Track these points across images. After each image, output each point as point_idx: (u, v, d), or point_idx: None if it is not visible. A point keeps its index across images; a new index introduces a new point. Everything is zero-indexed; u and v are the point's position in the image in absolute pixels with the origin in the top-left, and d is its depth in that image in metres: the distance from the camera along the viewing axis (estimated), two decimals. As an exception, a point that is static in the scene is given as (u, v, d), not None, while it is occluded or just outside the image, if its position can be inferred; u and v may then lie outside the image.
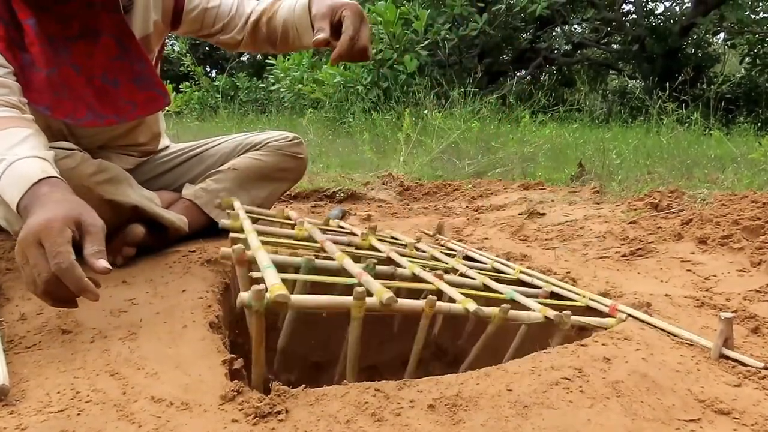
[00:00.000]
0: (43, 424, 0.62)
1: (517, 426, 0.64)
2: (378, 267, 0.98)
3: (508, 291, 1.01)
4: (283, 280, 0.76)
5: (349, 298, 0.74)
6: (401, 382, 0.72)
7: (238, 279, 0.87)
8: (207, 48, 10.56)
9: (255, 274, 0.81)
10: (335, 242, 1.15)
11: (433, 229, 1.63)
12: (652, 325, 0.93)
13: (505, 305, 0.85)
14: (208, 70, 10.39)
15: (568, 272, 1.23)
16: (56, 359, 0.78)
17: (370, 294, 0.79)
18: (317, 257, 1.01)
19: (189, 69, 7.28)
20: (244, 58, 11.03)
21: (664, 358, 0.80)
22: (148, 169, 1.58)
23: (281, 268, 0.91)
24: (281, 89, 6.17)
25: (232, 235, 1.01)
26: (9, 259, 1.24)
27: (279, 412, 0.65)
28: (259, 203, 1.56)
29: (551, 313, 0.89)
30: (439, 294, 0.93)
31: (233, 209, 1.21)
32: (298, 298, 0.73)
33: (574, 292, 1.09)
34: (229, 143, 1.64)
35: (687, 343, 0.86)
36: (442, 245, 1.51)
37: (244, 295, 0.68)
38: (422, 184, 2.57)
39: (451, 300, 0.89)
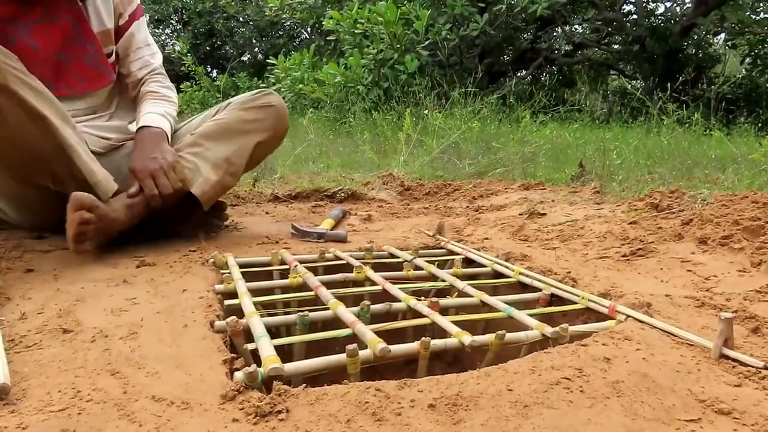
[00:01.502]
0: (44, 423, 0.62)
1: (518, 426, 0.64)
2: (373, 307, 1.00)
3: (505, 308, 1.01)
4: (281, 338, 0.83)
5: (344, 356, 0.77)
6: (401, 382, 0.72)
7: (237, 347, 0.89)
8: (208, 48, 10.57)
9: (250, 346, 0.84)
10: (330, 282, 1.16)
11: (434, 229, 1.63)
12: (652, 325, 0.93)
13: (500, 332, 0.86)
14: (209, 69, 10.39)
15: (569, 272, 1.23)
16: (57, 358, 0.78)
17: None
18: (314, 304, 1.04)
19: (190, 69, 7.28)
20: (244, 58, 11.04)
21: (665, 358, 0.80)
22: (120, 156, 1.56)
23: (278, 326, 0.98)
24: (282, 89, 6.17)
25: (226, 302, 1.03)
26: (9, 259, 1.25)
27: (279, 412, 0.65)
28: (226, 158, 1.47)
29: (549, 330, 0.89)
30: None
31: (227, 267, 1.22)
32: (293, 367, 0.75)
33: (574, 294, 1.09)
34: (196, 120, 1.63)
35: (687, 343, 0.86)
36: (442, 248, 1.51)
37: (239, 375, 0.72)
38: (423, 184, 2.57)
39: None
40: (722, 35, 7.78)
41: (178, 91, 7.27)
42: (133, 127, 1.58)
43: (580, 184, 2.46)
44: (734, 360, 0.80)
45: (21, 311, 0.94)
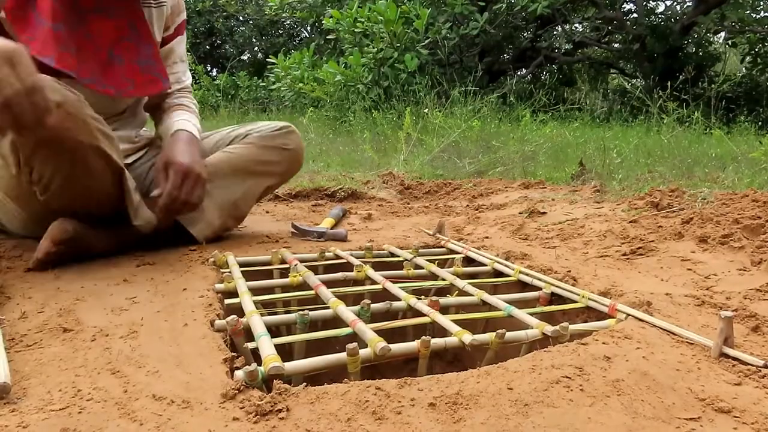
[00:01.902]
0: (44, 422, 0.62)
1: (518, 424, 0.64)
2: (373, 306, 0.99)
3: (506, 307, 1.01)
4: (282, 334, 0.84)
5: (344, 355, 0.77)
6: (402, 381, 0.72)
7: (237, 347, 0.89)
8: (207, 47, 10.57)
9: (250, 345, 0.84)
10: (330, 281, 1.16)
11: (434, 228, 1.63)
12: (652, 324, 0.93)
13: (500, 330, 0.86)
14: (209, 68, 10.39)
15: (569, 271, 1.23)
16: (57, 357, 0.78)
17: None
18: (314, 302, 1.04)
19: (190, 68, 7.29)
20: (244, 57, 11.03)
21: (665, 357, 0.80)
22: (137, 168, 1.52)
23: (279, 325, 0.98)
24: (282, 88, 6.17)
25: (227, 301, 1.03)
26: (9, 258, 1.25)
27: (280, 410, 0.65)
28: (234, 201, 1.45)
29: (549, 329, 0.89)
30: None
31: (227, 266, 1.21)
32: (293, 366, 0.75)
33: (574, 293, 1.09)
34: (210, 139, 1.56)
35: (687, 342, 0.86)
36: (442, 246, 1.51)
37: (239, 373, 0.72)
38: (423, 182, 2.57)
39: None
40: (722, 34, 7.77)
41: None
42: (142, 135, 1.55)
43: (580, 183, 2.46)
44: (734, 359, 0.80)
45: (21, 310, 0.94)
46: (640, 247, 1.41)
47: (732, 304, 1.03)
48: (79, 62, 1.22)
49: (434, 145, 3.42)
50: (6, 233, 1.44)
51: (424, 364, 0.84)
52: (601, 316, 1.01)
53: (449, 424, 0.64)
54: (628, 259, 1.37)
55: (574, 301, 1.08)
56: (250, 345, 0.84)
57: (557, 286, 1.14)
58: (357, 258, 1.33)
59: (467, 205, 2.15)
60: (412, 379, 0.72)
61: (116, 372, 0.74)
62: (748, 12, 6.92)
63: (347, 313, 0.94)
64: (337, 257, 1.35)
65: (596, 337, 0.87)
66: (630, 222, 1.65)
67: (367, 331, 0.85)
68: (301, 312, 0.95)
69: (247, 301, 0.99)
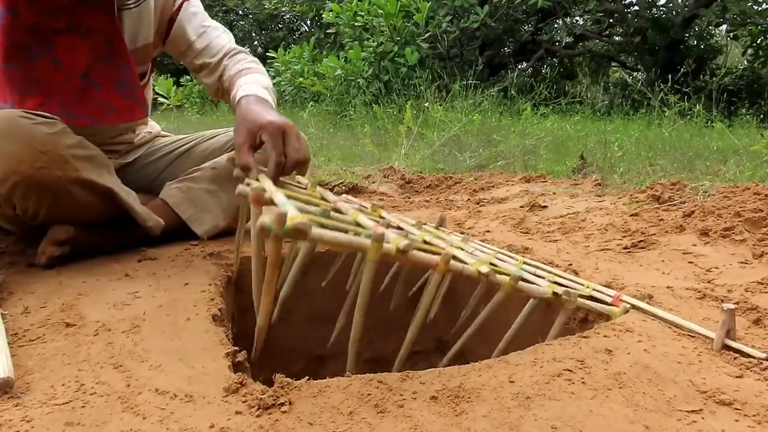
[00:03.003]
0: (48, 416, 0.63)
1: (519, 417, 0.64)
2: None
3: (515, 269, 1.01)
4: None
5: (367, 240, 0.70)
6: (404, 374, 0.72)
7: (250, 218, 0.81)
8: (207, 41, 10.55)
9: (274, 208, 0.74)
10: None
11: (435, 222, 1.63)
12: (654, 316, 0.93)
13: (515, 274, 0.85)
14: (209, 63, 10.37)
15: (570, 264, 1.23)
16: (60, 352, 0.78)
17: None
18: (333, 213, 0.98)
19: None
20: (244, 52, 11.00)
21: (666, 350, 0.80)
22: (139, 166, 1.51)
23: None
24: (282, 82, 6.16)
25: (247, 180, 0.98)
26: (12, 254, 1.25)
27: (282, 404, 0.65)
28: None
29: (559, 289, 0.89)
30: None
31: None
32: (318, 231, 0.66)
33: (578, 283, 1.09)
34: (220, 138, 1.53)
35: (689, 335, 0.87)
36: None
37: (264, 218, 0.63)
38: (424, 177, 2.57)
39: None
40: (724, 26, 7.74)
41: (178, 85, 7.26)
42: (143, 134, 1.52)
43: (581, 177, 2.46)
44: (736, 351, 0.80)
45: (24, 305, 0.95)
46: (641, 241, 1.41)
47: (733, 297, 1.03)
48: (45, 97, 1.16)
49: (435, 139, 3.42)
50: (6, 230, 1.45)
51: (439, 279, 0.80)
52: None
53: (451, 417, 0.64)
54: (629, 252, 1.37)
55: (578, 291, 1.07)
56: (274, 208, 0.75)
57: (561, 277, 1.14)
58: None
59: (468, 199, 2.14)
60: (414, 373, 0.73)
61: (119, 366, 0.74)
62: (749, 4, 6.89)
63: (368, 221, 0.89)
64: (349, 200, 1.29)
65: (597, 330, 0.87)
66: (631, 215, 1.65)
67: (389, 233, 0.79)
68: (324, 206, 0.90)
69: (269, 185, 0.91)
